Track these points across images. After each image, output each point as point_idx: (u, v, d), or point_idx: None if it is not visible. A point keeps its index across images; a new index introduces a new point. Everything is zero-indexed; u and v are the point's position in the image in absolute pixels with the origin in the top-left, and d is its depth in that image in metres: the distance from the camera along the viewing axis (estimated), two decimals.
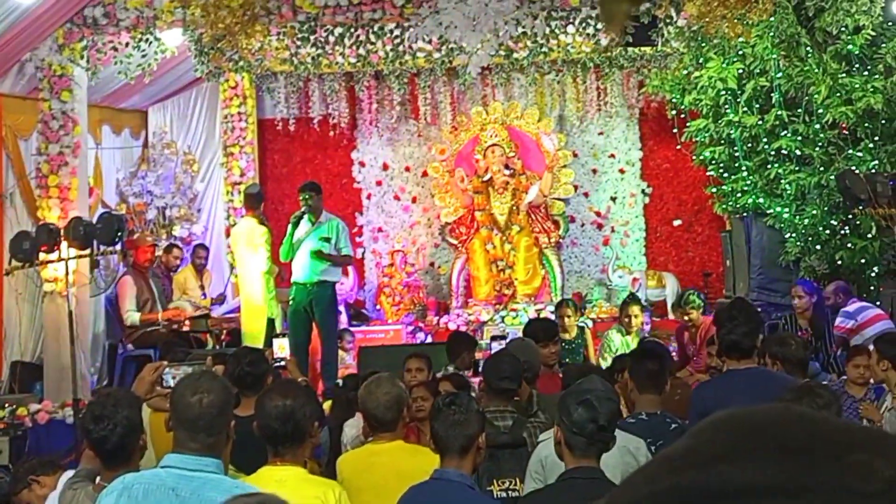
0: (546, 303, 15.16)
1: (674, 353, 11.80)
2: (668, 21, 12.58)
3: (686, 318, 11.70)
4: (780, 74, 12.63)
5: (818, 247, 12.60)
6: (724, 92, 13.03)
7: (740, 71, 12.94)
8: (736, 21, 11.40)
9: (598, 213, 16.59)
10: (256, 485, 4.51)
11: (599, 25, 13.89)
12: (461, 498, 4.60)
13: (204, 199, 16.41)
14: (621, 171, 16.62)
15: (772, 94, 12.86)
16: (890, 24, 12.10)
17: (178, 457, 4.04)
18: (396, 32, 13.72)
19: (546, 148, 16.00)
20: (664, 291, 15.50)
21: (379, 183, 16.80)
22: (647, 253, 16.62)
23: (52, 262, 11.26)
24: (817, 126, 12.48)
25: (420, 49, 14.74)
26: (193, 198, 16.26)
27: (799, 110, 12.66)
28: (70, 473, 5.04)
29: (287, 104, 16.12)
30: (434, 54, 14.95)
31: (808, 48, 12.34)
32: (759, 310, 7.86)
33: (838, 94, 12.11)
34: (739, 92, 13.01)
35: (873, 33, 12.02)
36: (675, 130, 14.52)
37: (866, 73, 12.20)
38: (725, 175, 13.86)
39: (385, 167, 16.80)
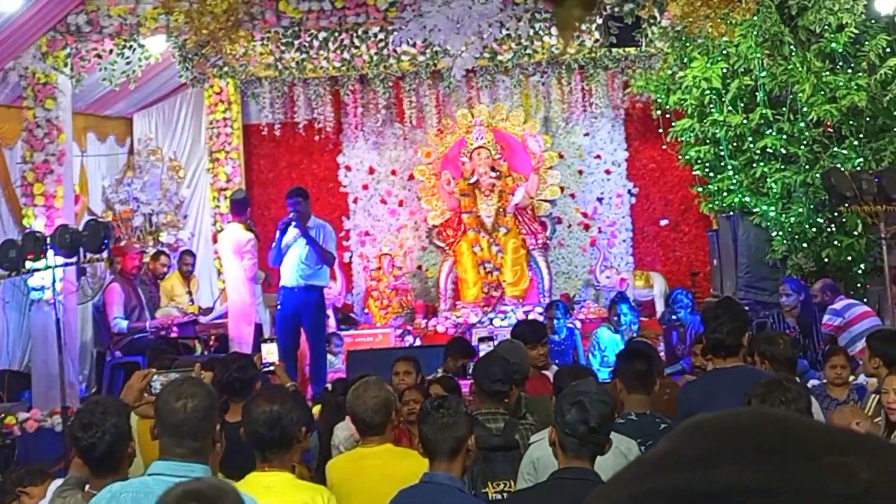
0: (534, 304, 15.17)
1: (661, 353, 11.86)
2: (651, 21, 12.60)
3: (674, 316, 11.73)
4: (764, 73, 12.65)
5: (805, 245, 12.63)
6: (708, 91, 13.05)
7: (724, 70, 12.96)
8: (719, 21, 11.42)
9: (584, 214, 16.60)
10: (244, 490, 4.51)
11: (584, 26, 13.91)
12: (451, 501, 4.61)
13: (190, 206, 16.39)
14: (607, 172, 16.63)
15: (756, 93, 12.88)
16: (873, 21, 12.13)
17: (164, 464, 4.04)
18: (381, 36, 13.71)
19: (532, 149, 16.01)
20: (652, 291, 15.52)
21: (365, 187, 16.79)
22: (634, 253, 16.64)
23: (38, 270, 11.23)
24: (802, 124, 12.50)
25: (404, 52, 14.75)
26: (180, 204, 16.25)
27: (783, 109, 12.68)
28: (59, 482, 5.03)
29: (272, 109, 16.11)
30: (418, 57, 14.97)
31: (792, 47, 12.37)
32: (747, 308, 7.88)
33: (822, 93, 12.13)
34: (724, 91, 13.02)
35: (856, 31, 12.04)
36: (660, 130, 14.51)
37: (850, 70, 12.23)
38: (711, 174, 13.88)
39: (371, 171, 16.79)
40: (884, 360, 7.28)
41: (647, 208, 16.69)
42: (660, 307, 15.21)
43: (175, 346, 12.89)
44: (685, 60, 13.46)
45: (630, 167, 16.67)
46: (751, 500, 0.80)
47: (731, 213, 13.60)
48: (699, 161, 13.81)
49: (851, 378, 8.39)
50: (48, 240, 10.79)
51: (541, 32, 13.93)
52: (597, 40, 14.00)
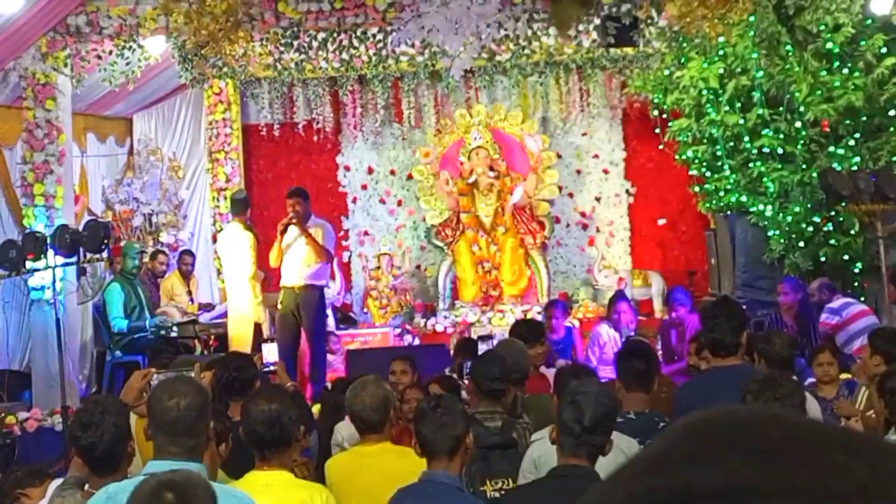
0: (532, 304, 15.18)
1: (659, 352, 11.87)
2: (649, 22, 12.65)
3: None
4: (761, 73, 12.67)
5: (802, 244, 12.65)
6: (705, 91, 13.06)
7: (721, 70, 12.97)
8: (716, 21, 11.43)
9: (582, 214, 16.61)
10: (244, 489, 4.54)
11: (581, 27, 13.95)
12: (450, 500, 4.63)
13: (190, 206, 16.41)
14: (605, 172, 16.64)
15: (753, 93, 12.89)
16: (869, 21, 12.16)
17: (160, 463, 4.06)
18: (379, 37, 13.78)
19: (530, 149, 16.01)
20: (650, 290, 15.53)
21: (364, 187, 16.80)
22: (632, 252, 16.64)
23: (38, 270, 11.26)
24: (799, 124, 12.52)
25: (403, 53, 14.78)
26: (179, 204, 16.26)
27: (780, 108, 12.70)
28: (59, 481, 5.05)
29: (271, 109, 16.12)
30: (417, 58, 15.00)
31: (789, 47, 12.39)
32: (745, 307, 7.89)
33: (819, 92, 12.16)
34: (721, 91, 13.03)
35: (853, 31, 12.07)
36: (657, 130, 14.54)
37: (847, 70, 12.25)
38: (708, 174, 13.89)
39: (370, 171, 16.80)
40: (885, 358, 7.29)
41: (645, 208, 16.70)
42: (658, 306, 15.24)
43: (175, 345, 12.92)
44: (682, 60, 13.48)
45: (628, 167, 16.68)
46: (747, 499, 0.80)
47: (729, 212, 13.64)
48: (696, 161, 13.84)
49: (845, 375, 8.40)
50: (48, 240, 10.82)
51: (539, 33, 13.99)
52: (594, 40, 14.03)
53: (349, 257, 16.67)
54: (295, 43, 13.29)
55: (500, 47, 14.42)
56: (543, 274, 15.70)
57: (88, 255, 11.08)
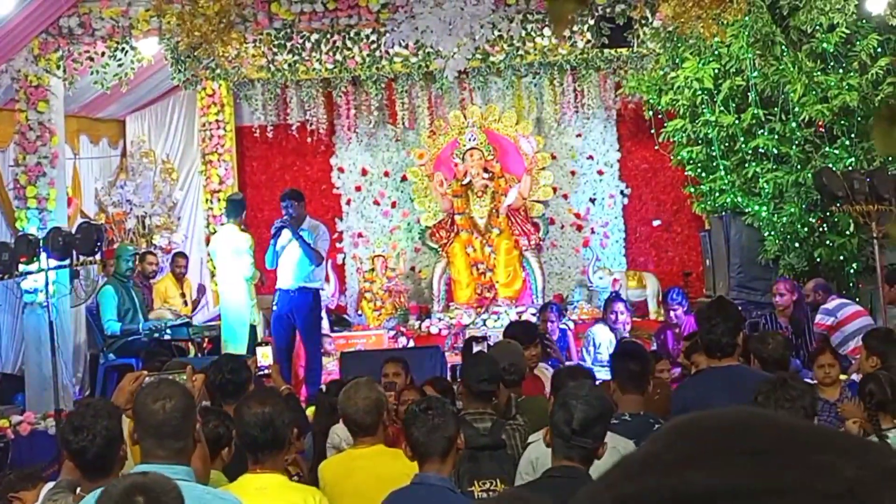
0: (527, 305, 15.18)
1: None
2: (643, 22, 12.62)
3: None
4: (755, 74, 12.67)
5: (797, 245, 12.66)
6: (700, 92, 13.06)
7: (716, 71, 12.98)
8: (711, 21, 11.42)
9: (577, 215, 16.60)
10: (237, 492, 4.52)
11: (576, 27, 13.93)
12: (443, 502, 4.62)
13: (183, 208, 16.39)
14: (600, 173, 16.63)
15: (748, 94, 12.91)
16: (864, 21, 12.16)
17: (147, 467, 4.04)
18: (373, 38, 13.74)
19: (524, 151, 16.02)
20: (645, 292, 15.53)
21: (358, 188, 16.79)
22: (626, 253, 16.65)
23: (31, 272, 11.23)
24: (794, 124, 12.53)
25: (397, 54, 14.78)
26: (173, 206, 16.24)
27: (775, 109, 12.71)
28: (52, 485, 5.03)
29: (265, 111, 16.09)
30: (411, 59, 15.00)
31: (784, 47, 12.39)
32: (740, 308, 7.88)
33: (814, 93, 12.16)
34: (716, 92, 13.04)
35: (847, 31, 12.08)
36: (652, 131, 14.56)
37: (841, 70, 12.26)
38: (703, 175, 13.90)
39: (364, 172, 16.78)
40: (881, 358, 7.27)
41: (640, 209, 16.70)
42: (652, 307, 15.24)
43: (168, 348, 12.88)
44: (677, 61, 13.49)
45: (622, 168, 16.68)
46: (739, 500, 0.80)
47: (724, 213, 13.63)
48: (691, 161, 13.84)
49: (843, 377, 8.36)
50: (41, 242, 10.79)
51: (533, 34, 13.98)
52: (588, 41, 14.00)
53: (343, 259, 16.66)
54: (288, 44, 13.25)
55: (494, 48, 14.41)
56: (538, 275, 15.71)
57: (81, 258, 11.07)
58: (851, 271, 12.47)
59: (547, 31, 14.06)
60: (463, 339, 14.02)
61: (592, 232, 16.58)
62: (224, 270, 12.98)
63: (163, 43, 12.81)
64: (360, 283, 16.18)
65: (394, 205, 16.73)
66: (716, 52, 12.96)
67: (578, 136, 16.60)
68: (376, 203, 16.77)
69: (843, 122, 12.27)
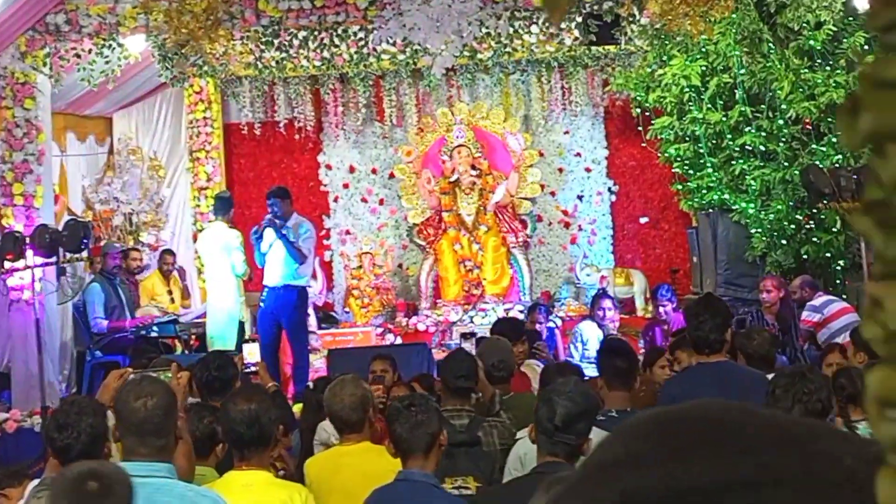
0: (514, 302, 15.19)
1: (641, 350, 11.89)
2: (631, 19, 12.64)
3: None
4: (742, 71, 12.69)
5: (784, 242, 12.67)
6: (687, 89, 13.06)
7: (703, 68, 12.98)
8: (698, 18, 11.44)
9: (564, 212, 16.60)
10: (222, 489, 4.52)
11: (563, 25, 13.94)
12: (426, 498, 4.63)
13: (171, 205, 16.36)
14: (587, 170, 16.63)
15: (735, 91, 12.92)
16: (851, 19, 12.18)
17: (129, 465, 4.03)
18: (360, 35, 13.75)
19: (512, 148, 16.02)
20: (632, 289, 15.54)
21: (346, 185, 16.77)
22: (614, 251, 16.65)
23: (18, 270, 11.21)
24: (781, 122, 12.55)
25: (384, 51, 14.76)
26: (160, 203, 16.22)
27: (762, 106, 12.73)
28: (37, 482, 5.02)
29: (252, 108, 16.07)
30: (398, 56, 14.99)
31: (771, 44, 12.41)
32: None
33: (801, 90, 12.18)
34: (703, 89, 13.05)
35: (834, 28, 12.10)
36: (639, 128, 14.55)
37: (828, 68, 12.28)
38: (690, 172, 13.90)
39: (352, 170, 16.77)
40: (869, 354, 7.29)
41: (627, 206, 16.71)
42: (640, 304, 15.26)
43: (155, 345, 12.87)
44: (664, 58, 13.48)
45: (610, 165, 16.68)
46: (744, 492, 0.80)
47: (711, 210, 13.64)
48: (679, 159, 13.85)
49: None
50: (27, 240, 10.78)
51: (520, 31, 13.97)
52: (576, 38, 14.01)
53: (331, 256, 16.64)
54: (275, 41, 13.26)
55: (482, 45, 14.41)
56: (525, 272, 15.72)
57: (68, 255, 11.06)
58: (838, 268, 12.49)
59: (535, 29, 14.07)
60: (450, 336, 14.08)
61: (580, 229, 16.58)
62: (212, 268, 13.00)
63: (150, 40, 12.81)
64: (348, 280, 16.17)
65: (381, 202, 16.72)
66: (703, 50, 12.97)
67: (566, 133, 16.60)
68: (364, 200, 16.76)
69: (829, 119, 12.28)
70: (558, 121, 16.45)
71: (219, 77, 15.73)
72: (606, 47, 14.35)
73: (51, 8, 12.10)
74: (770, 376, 6.55)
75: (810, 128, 12.55)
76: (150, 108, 16.48)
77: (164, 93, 16.16)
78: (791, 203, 12.55)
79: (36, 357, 10.88)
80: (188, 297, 14.82)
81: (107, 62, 12.55)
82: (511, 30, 13.89)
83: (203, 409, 5.63)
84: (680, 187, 14.51)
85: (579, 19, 12.35)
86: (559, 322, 14.14)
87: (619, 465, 0.85)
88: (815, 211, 12.33)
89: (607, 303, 12.68)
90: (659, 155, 14.44)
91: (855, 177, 10.76)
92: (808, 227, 12.58)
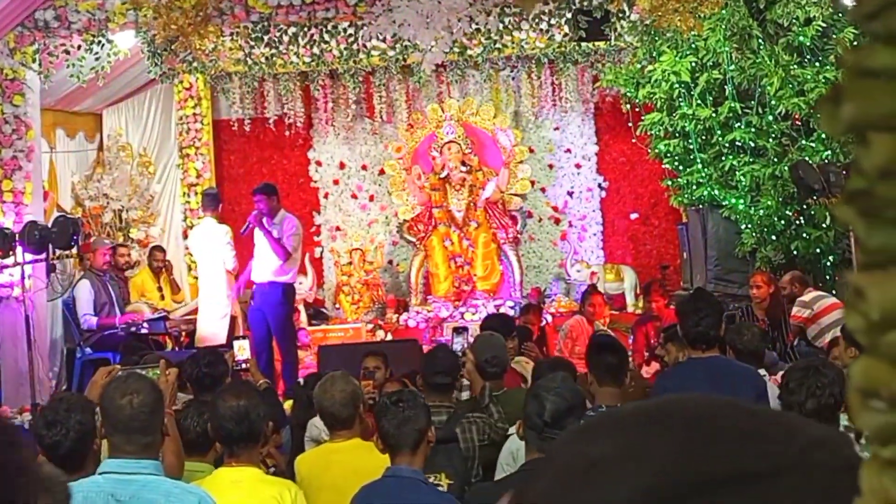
0: (505, 298, 15.20)
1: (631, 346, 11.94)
2: (620, 15, 12.64)
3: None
4: (732, 67, 12.69)
5: (773, 237, 12.68)
6: (677, 85, 13.06)
7: (693, 64, 12.97)
8: (688, 14, 11.44)
9: (555, 208, 16.61)
10: (211, 486, 4.52)
11: (553, 21, 13.95)
12: (414, 494, 4.63)
13: (161, 201, 16.34)
14: (577, 166, 16.65)
15: (725, 87, 12.91)
16: (840, 15, 12.18)
17: (115, 461, 4.03)
18: (350, 31, 13.74)
19: (502, 144, 16.03)
20: (623, 285, 15.55)
21: (336, 182, 16.77)
22: (604, 247, 16.67)
23: (7, 266, 11.19)
24: (770, 117, 12.56)
25: (374, 47, 14.76)
26: (150, 200, 16.20)
27: (752, 102, 12.73)
28: None
29: (242, 104, 16.05)
30: (388, 52, 14.98)
31: (760, 40, 12.41)
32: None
33: (790, 86, 12.18)
34: (693, 85, 13.04)
35: (824, 24, 12.10)
36: (629, 124, 14.55)
37: (818, 64, 12.29)
38: (680, 168, 13.89)
39: (342, 166, 16.76)
40: (860, 349, 7.28)
41: (617, 202, 16.72)
42: (630, 300, 15.28)
43: (146, 342, 12.86)
44: (654, 54, 13.48)
45: (600, 161, 16.69)
46: (758, 483, 0.80)
47: (701, 206, 13.64)
48: (668, 155, 13.84)
49: None
50: (17, 236, 10.75)
51: (510, 27, 13.97)
52: (566, 34, 14.01)
53: (321, 253, 16.64)
54: (265, 37, 13.25)
55: (472, 41, 14.41)
56: (516, 269, 15.73)
57: (58, 252, 11.03)
58: (828, 264, 12.50)
59: (524, 25, 14.07)
60: (441, 332, 14.08)
61: (570, 225, 16.60)
62: (203, 264, 13.02)
63: (139, 36, 12.79)
64: (338, 276, 16.17)
65: (371, 198, 16.71)
66: (693, 46, 12.96)
67: (556, 129, 16.61)
68: (354, 196, 16.75)
69: (819, 115, 12.27)
70: (548, 117, 16.46)
71: (208, 73, 15.71)
72: (596, 43, 14.36)
73: (40, 4, 12.07)
74: (762, 371, 6.61)
75: (800, 124, 12.56)
76: (139, 105, 16.46)
77: (154, 89, 16.14)
78: (781, 199, 12.56)
79: (26, 354, 10.86)
80: (178, 291, 14.81)
81: (96, 58, 12.53)
82: (501, 26, 13.90)
83: (203, 406, 5.63)
84: (670, 183, 14.50)
85: (569, 15, 12.35)
86: (549, 318, 14.15)
87: (622, 462, 0.84)
88: (804, 207, 12.34)
89: (596, 299, 12.69)
90: (649, 151, 14.43)
91: (844, 172, 10.76)
92: (797, 222, 12.59)
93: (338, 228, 16.67)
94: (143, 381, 4.31)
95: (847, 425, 4.93)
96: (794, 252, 12.55)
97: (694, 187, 13.54)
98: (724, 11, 12.21)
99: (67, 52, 12.55)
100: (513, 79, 16.20)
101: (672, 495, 0.80)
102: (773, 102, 12.42)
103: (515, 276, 15.72)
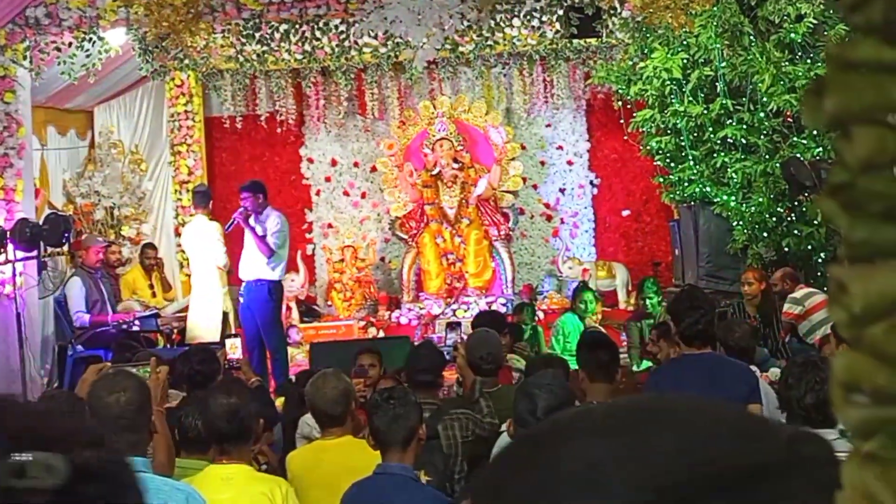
0: (497, 295, 15.21)
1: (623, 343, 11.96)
2: (612, 12, 12.62)
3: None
4: (724, 64, 12.70)
5: (765, 234, 12.69)
6: (669, 82, 13.08)
7: (685, 61, 12.99)
8: (679, 11, 11.43)
9: (546, 205, 16.63)
10: (202, 483, 4.51)
11: (545, 18, 13.94)
12: (404, 491, 4.63)
13: (152, 199, 16.32)
14: (569, 163, 16.66)
15: (716, 84, 12.93)
16: (831, 11, 12.19)
17: None
18: (342, 28, 13.68)
19: (494, 141, 16.03)
20: (614, 282, 15.57)
21: (328, 179, 16.76)
22: (596, 244, 16.68)
23: None
24: (762, 114, 12.57)
25: (366, 44, 14.74)
26: (142, 197, 16.18)
27: (743, 99, 12.74)
28: None
29: (234, 102, 16.04)
30: (380, 49, 14.95)
31: (752, 37, 12.42)
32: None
33: (782, 83, 12.19)
34: (684, 82, 13.06)
35: (815, 21, 12.11)
36: (621, 121, 14.57)
37: (809, 60, 12.30)
38: (672, 165, 13.92)
39: (334, 163, 16.76)
40: (851, 346, 7.29)
41: (609, 199, 16.73)
42: (622, 297, 15.30)
43: (137, 339, 12.84)
44: (646, 51, 13.50)
45: (592, 158, 16.71)
46: (759, 479, 0.79)
47: (692, 203, 13.66)
48: (660, 151, 13.86)
49: None
50: (8, 234, 10.74)
51: (502, 24, 13.94)
52: (558, 31, 14.01)
53: (313, 250, 16.63)
54: (257, 34, 13.18)
55: (464, 38, 14.38)
56: (508, 265, 15.73)
57: (49, 249, 11.02)
58: (819, 260, 12.51)
59: (516, 22, 14.05)
60: (433, 329, 14.09)
61: (562, 222, 16.61)
62: (195, 261, 13.04)
63: (130, 33, 12.73)
64: (330, 273, 16.17)
65: (363, 195, 16.71)
66: (684, 43, 12.97)
67: (548, 126, 16.62)
68: (346, 194, 16.75)
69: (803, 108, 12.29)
70: (540, 114, 16.47)
71: (200, 70, 15.68)
72: (588, 40, 14.36)
73: (30, 1, 12.04)
74: (754, 368, 6.62)
75: (791, 120, 12.57)
76: (131, 102, 16.43)
77: (146, 86, 16.11)
78: (772, 196, 12.57)
79: (17, 352, 10.84)
80: (170, 288, 14.81)
81: (87, 55, 12.49)
82: (492, 23, 13.87)
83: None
84: (661, 180, 14.53)
85: (561, 12, 12.34)
86: (541, 315, 14.16)
87: (623, 462, 0.82)
88: (796, 203, 12.35)
89: (588, 295, 12.70)
90: (640, 148, 14.46)
91: None
92: (789, 219, 12.60)
93: (330, 226, 16.67)
94: (131, 378, 4.30)
95: None
96: (786, 249, 12.56)
97: (685, 184, 13.56)
98: (715, 8, 12.22)
99: (58, 50, 12.52)
100: (504, 76, 16.19)
101: (676, 495, 0.79)
102: (764, 99, 12.43)
103: (507, 273, 15.72)
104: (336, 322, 15.12)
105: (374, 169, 16.52)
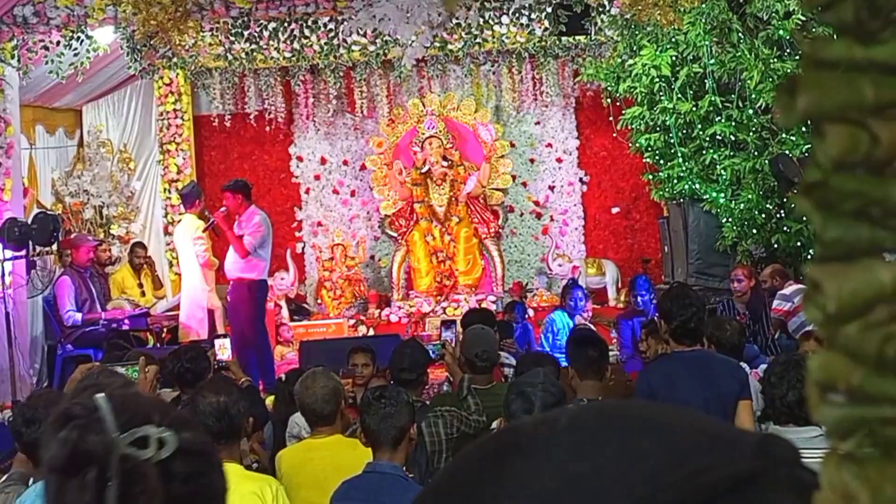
0: (487, 293, 15.21)
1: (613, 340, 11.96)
2: (600, 10, 12.64)
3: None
4: (712, 61, 12.72)
5: (754, 231, 12.71)
6: (658, 79, 13.09)
7: (673, 58, 13.00)
8: (668, 8, 11.44)
9: (536, 203, 16.63)
10: None
11: (533, 15, 13.95)
12: (394, 490, 4.63)
13: (141, 198, 16.30)
14: (559, 161, 16.65)
15: (705, 81, 12.95)
16: (819, 8, 12.19)
17: None
18: (331, 26, 13.72)
19: (483, 139, 16.02)
20: (604, 279, 15.58)
21: (317, 177, 16.75)
22: (586, 241, 16.68)
23: None
24: (751, 111, 12.59)
25: (355, 42, 14.75)
26: (131, 196, 16.16)
27: (732, 96, 12.77)
28: (5, 477, 4.99)
29: (223, 100, 16.02)
30: (369, 47, 14.96)
31: (740, 34, 12.44)
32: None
33: (770, 79, 12.20)
34: (673, 79, 13.07)
35: (803, 18, 12.13)
36: (610, 118, 14.57)
37: (797, 57, 12.31)
38: (661, 162, 13.93)
39: (323, 161, 16.75)
40: (826, 345, 7.30)
41: (599, 196, 16.74)
42: (612, 294, 15.31)
43: (127, 338, 12.83)
44: (634, 48, 13.50)
45: (581, 155, 16.70)
46: (757, 484, 0.79)
47: (682, 200, 13.68)
48: (649, 149, 13.87)
49: None
50: None
51: (490, 21, 13.96)
52: (546, 29, 14.03)
53: (302, 248, 16.62)
54: (245, 33, 13.23)
55: (452, 36, 14.41)
56: (497, 263, 15.72)
57: (38, 249, 11.01)
58: (808, 257, 12.53)
59: (505, 19, 14.06)
60: (423, 327, 14.09)
61: (551, 219, 16.61)
62: (184, 260, 13.06)
63: (119, 32, 12.73)
64: (320, 271, 16.17)
65: (353, 193, 16.71)
66: (673, 40, 12.99)
67: (537, 123, 16.62)
68: (335, 192, 16.74)
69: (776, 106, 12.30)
70: (529, 111, 16.47)
71: (188, 69, 15.67)
72: (577, 37, 14.35)
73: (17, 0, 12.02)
74: (744, 365, 6.63)
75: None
76: (119, 101, 16.41)
77: (134, 85, 16.10)
78: (761, 192, 12.59)
79: (6, 351, 10.84)
80: (160, 287, 14.81)
81: (75, 54, 12.48)
82: (481, 20, 13.90)
83: None
84: (651, 177, 14.54)
85: (549, 10, 12.35)
86: (531, 312, 14.16)
87: (614, 472, 0.81)
88: (785, 200, 12.37)
89: (578, 293, 12.71)
90: (630, 145, 14.48)
91: None
92: (778, 216, 12.62)
93: (319, 224, 16.66)
94: (115, 377, 4.29)
95: None
96: (775, 245, 12.58)
97: (675, 181, 13.57)
98: (703, 5, 12.23)
99: (46, 49, 12.51)
100: (493, 73, 16.19)
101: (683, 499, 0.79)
102: (753, 96, 12.45)
103: (497, 270, 15.72)
104: (326, 320, 15.11)
105: (363, 167, 16.51)
